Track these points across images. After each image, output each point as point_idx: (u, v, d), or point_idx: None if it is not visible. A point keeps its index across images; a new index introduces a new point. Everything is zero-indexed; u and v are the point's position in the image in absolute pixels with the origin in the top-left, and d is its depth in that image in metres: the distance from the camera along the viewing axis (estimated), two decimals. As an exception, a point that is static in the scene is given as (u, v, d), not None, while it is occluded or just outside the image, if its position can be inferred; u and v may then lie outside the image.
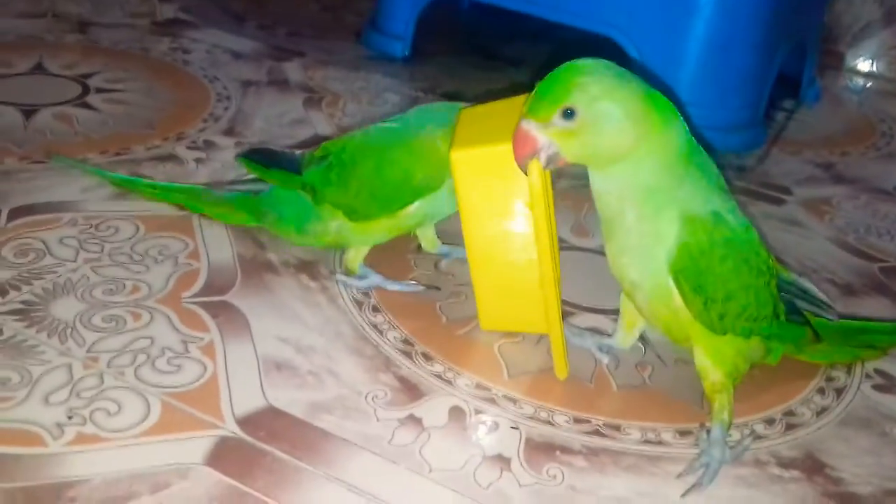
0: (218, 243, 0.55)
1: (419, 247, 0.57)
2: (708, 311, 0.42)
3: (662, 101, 0.40)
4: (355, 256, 0.53)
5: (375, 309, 0.51)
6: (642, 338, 0.51)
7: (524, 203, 0.45)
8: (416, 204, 0.50)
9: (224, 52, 0.89)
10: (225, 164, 0.65)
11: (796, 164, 0.83)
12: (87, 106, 0.72)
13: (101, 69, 0.80)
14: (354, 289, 0.53)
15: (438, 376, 0.46)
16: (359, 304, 0.51)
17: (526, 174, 0.42)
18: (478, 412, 0.44)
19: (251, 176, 0.57)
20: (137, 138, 0.68)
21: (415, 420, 0.43)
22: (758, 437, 0.45)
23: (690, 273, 0.41)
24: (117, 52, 0.86)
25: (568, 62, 0.40)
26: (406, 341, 0.49)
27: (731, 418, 0.44)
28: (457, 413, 0.44)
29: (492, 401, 0.45)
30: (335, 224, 0.52)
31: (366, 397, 0.44)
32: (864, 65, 1.14)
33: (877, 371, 0.52)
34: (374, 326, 0.49)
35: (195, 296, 0.50)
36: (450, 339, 0.49)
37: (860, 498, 0.42)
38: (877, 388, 0.50)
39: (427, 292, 0.53)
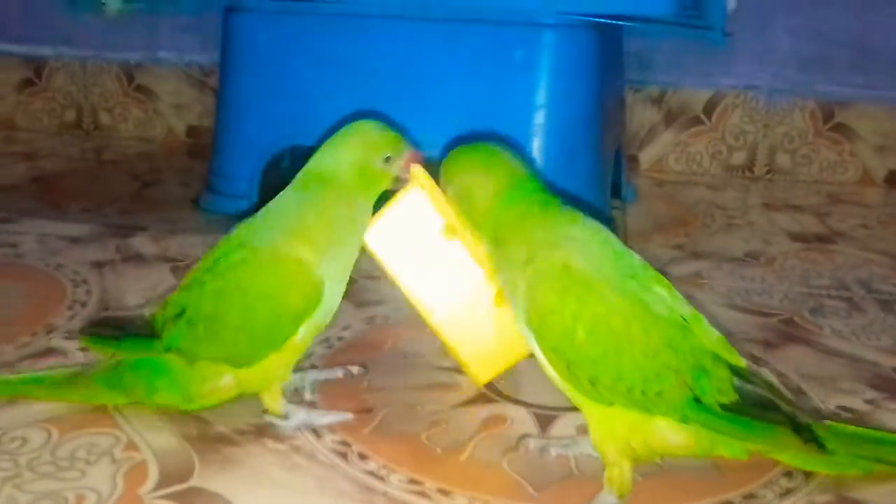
0: (152, 429, 0.48)
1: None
2: (575, 375, 0.40)
3: (518, 185, 0.45)
4: (272, 399, 0.48)
5: (363, 456, 0.46)
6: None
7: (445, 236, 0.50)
8: (302, 328, 0.46)
9: (58, 239, 0.80)
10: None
11: (653, 248, 0.88)
12: (-80, 317, 0.62)
13: (-81, 277, 0.69)
14: (287, 429, 0.48)
15: (467, 509, 0.42)
16: (343, 455, 0.46)
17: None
18: (528, 535, 0.40)
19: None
20: (-1, 339, 0.58)
21: (471, 560, 0.38)
22: (786, 493, 0.44)
23: (543, 331, 0.41)
24: (-69, 258, 0.75)
25: (461, 147, 0.48)
26: (413, 481, 0.44)
27: (624, 493, 0.42)
28: (509, 541, 0.39)
29: (534, 520, 0.41)
30: (227, 379, 0.47)
31: (406, 550, 0.38)
32: (657, 164, 1.26)
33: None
34: (372, 474, 0.44)
35: (156, 489, 0.42)
36: (455, 469, 0.45)
37: (907, 522, 0.42)
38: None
39: (384, 419, 0.49)
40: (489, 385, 0.54)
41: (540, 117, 0.82)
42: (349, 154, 0.47)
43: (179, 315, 0.46)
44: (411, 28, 0.83)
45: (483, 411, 0.51)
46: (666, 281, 0.44)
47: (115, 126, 1.30)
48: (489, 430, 0.49)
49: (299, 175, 0.49)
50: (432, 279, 0.50)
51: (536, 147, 0.83)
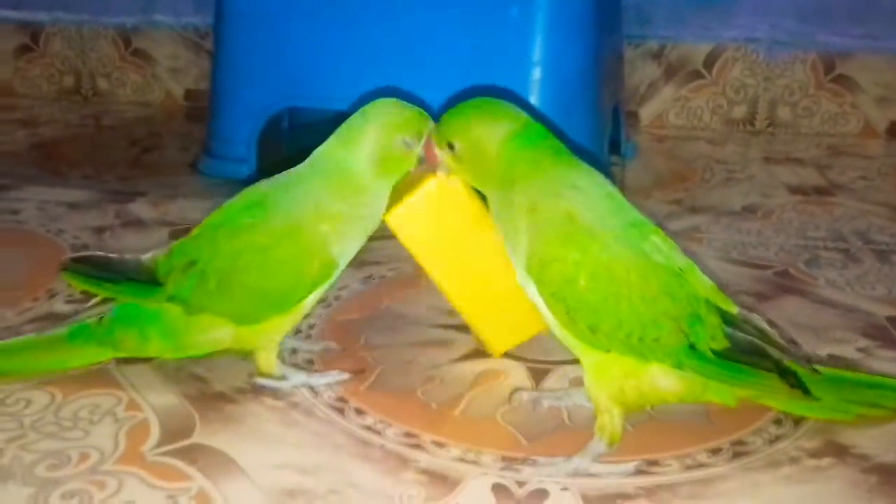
0: (153, 388, 0.49)
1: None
2: (575, 322, 0.41)
3: (526, 130, 0.45)
4: (268, 360, 0.49)
5: (360, 411, 0.47)
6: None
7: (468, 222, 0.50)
8: (313, 294, 0.47)
9: (58, 206, 0.81)
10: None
11: (652, 204, 0.89)
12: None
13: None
14: (280, 390, 0.48)
15: (461, 460, 0.42)
16: (340, 411, 0.47)
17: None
18: (520, 484, 0.41)
19: (92, 302, 0.49)
20: (2, 303, 0.59)
21: (464, 508, 0.39)
22: (775, 439, 0.45)
23: (544, 278, 0.41)
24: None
25: (461, 103, 0.46)
26: (409, 434, 0.45)
27: (614, 441, 0.42)
28: (501, 490, 0.40)
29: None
30: (224, 332, 0.47)
31: (400, 499, 0.39)
32: (657, 119, 1.25)
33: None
34: (368, 428, 0.45)
35: (158, 446, 0.43)
36: (450, 422, 0.46)
37: (893, 467, 0.43)
38: (841, 369, 0.53)
39: (380, 376, 0.50)
40: (484, 341, 0.55)
41: (536, 74, 0.82)
42: (368, 140, 0.46)
43: (189, 265, 0.46)
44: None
45: (478, 366, 0.52)
46: (661, 232, 0.44)
47: (114, 91, 1.30)
48: (483, 385, 0.50)
49: (318, 154, 0.48)
50: (455, 261, 0.50)
51: (533, 104, 0.82)
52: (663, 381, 0.43)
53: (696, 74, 1.22)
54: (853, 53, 1.17)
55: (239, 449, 0.43)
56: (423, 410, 0.47)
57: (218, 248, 0.46)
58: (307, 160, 0.49)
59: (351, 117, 0.48)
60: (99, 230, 0.75)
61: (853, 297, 0.63)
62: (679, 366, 0.42)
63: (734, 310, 0.44)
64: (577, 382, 0.49)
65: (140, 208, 0.81)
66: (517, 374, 0.51)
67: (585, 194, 0.43)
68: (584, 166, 0.45)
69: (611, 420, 0.43)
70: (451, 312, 0.59)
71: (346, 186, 0.47)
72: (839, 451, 0.44)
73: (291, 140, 0.98)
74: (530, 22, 0.81)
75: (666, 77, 1.23)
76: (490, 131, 0.45)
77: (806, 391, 0.42)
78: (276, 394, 0.48)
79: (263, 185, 0.48)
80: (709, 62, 1.21)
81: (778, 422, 0.47)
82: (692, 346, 0.41)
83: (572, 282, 0.41)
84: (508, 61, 0.82)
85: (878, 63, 1.17)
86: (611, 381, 0.42)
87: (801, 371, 0.43)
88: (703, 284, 0.43)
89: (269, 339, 0.48)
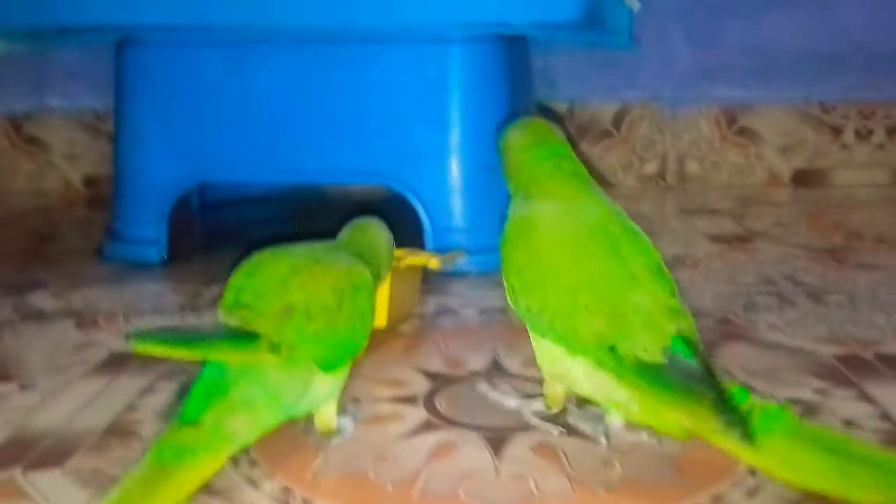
0: (64, 494, 0.42)
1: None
2: (516, 301, 0.46)
3: (547, 146, 0.51)
4: (333, 411, 0.48)
5: (307, 502, 0.42)
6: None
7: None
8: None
9: (-54, 303, 0.74)
10: (19, 409, 0.52)
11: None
12: None
13: None
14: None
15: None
16: (284, 503, 0.42)
17: None
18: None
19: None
20: None
21: None
22: (755, 490, 0.43)
23: (503, 259, 0.48)
24: None
25: None
26: None
27: (553, 407, 0.48)
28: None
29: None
30: (304, 380, 0.45)
31: None
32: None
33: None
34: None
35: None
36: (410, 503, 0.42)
37: None
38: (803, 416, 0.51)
39: (326, 459, 0.45)
40: (433, 410, 0.51)
41: (456, 134, 0.81)
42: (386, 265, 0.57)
43: (288, 309, 0.44)
44: (317, 52, 0.80)
45: (429, 439, 0.48)
46: (652, 251, 0.47)
47: (5, 181, 1.23)
48: (439, 459, 0.46)
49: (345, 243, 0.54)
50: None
51: (455, 164, 0.81)
52: (589, 383, 0.44)
53: (606, 133, 1.24)
54: (753, 106, 1.21)
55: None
56: (380, 494, 0.42)
57: (315, 287, 0.46)
58: (333, 243, 0.54)
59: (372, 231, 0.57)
60: (-5, 326, 0.68)
61: (797, 339, 0.63)
62: (599, 363, 0.42)
63: (685, 334, 0.41)
64: (541, 450, 0.46)
65: (40, 300, 0.75)
66: (472, 444, 0.47)
67: (559, 209, 0.47)
68: (590, 195, 0.48)
69: (551, 390, 0.48)
70: (396, 384, 0.56)
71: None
72: (821, 499, 0.42)
73: (203, 219, 0.93)
74: (445, 82, 0.79)
75: (578, 137, 1.25)
76: (515, 139, 0.52)
77: (746, 435, 0.38)
78: (211, 490, 0.43)
79: (295, 246, 0.51)
80: (616, 121, 1.23)
81: (753, 472, 0.44)
82: (612, 349, 0.41)
83: (510, 259, 0.47)
84: (427, 123, 0.80)
85: (777, 113, 1.21)
86: (543, 365, 0.47)
87: (766, 411, 0.40)
88: (659, 301, 0.42)
89: (336, 386, 0.47)
